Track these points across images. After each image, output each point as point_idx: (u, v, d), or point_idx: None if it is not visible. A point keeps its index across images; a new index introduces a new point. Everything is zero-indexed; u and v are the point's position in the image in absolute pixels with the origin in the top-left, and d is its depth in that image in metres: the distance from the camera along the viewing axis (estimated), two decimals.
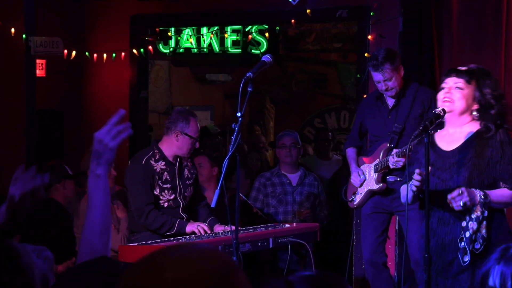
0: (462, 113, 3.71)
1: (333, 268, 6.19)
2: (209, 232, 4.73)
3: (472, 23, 5.93)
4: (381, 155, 5.07)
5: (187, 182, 5.00)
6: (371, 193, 5.15)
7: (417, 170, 3.61)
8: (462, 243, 3.58)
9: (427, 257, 3.54)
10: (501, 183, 3.64)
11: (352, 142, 5.39)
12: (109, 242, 2.08)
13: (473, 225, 3.55)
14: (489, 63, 5.79)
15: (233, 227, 4.72)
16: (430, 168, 3.60)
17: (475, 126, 3.72)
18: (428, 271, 3.55)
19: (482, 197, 3.55)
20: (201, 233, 4.69)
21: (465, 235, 3.56)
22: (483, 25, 5.88)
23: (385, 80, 4.96)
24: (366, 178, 5.17)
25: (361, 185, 5.20)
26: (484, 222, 3.55)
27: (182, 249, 1.41)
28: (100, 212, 2.05)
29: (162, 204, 4.87)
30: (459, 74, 3.72)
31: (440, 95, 3.73)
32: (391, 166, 4.90)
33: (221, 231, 4.81)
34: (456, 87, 3.70)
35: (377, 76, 4.98)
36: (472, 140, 3.69)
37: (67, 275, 1.99)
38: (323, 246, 5.97)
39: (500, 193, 3.62)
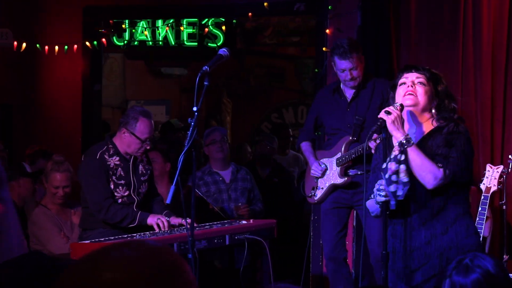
0: (424, 109, 3.62)
1: (290, 266, 6.16)
2: (167, 226, 4.64)
3: (430, 17, 5.94)
4: (343, 149, 5.00)
5: (141, 178, 4.91)
6: (333, 188, 5.08)
7: (377, 186, 3.50)
8: (379, 185, 3.47)
9: (385, 254, 3.47)
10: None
11: (306, 135, 5.30)
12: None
13: (391, 165, 3.44)
14: (447, 58, 5.81)
15: (189, 220, 4.68)
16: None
17: (432, 125, 3.64)
18: (385, 268, 3.48)
19: (405, 139, 3.45)
20: (160, 227, 4.61)
21: (384, 177, 3.44)
22: (441, 20, 5.90)
23: (351, 69, 4.91)
24: (327, 171, 5.10)
25: (322, 175, 5.10)
26: (403, 166, 3.43)
27: (124, 248, 1.39)
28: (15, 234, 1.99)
29: (116, 200, 4.78)
30: (419, 70, 3.63)
31: (401, 90, 3.61)
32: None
33: (178, 223, 4.75)
34: (419, 82, 3.61)
35: (343, 64, 4.91)
36: (426, 136, 3.61)
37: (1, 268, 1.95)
38: (280, 243, 5.91)
39: (427, 159, 3.47)
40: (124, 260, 1.36)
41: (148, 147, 4.80)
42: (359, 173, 4.91)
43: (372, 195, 3.62)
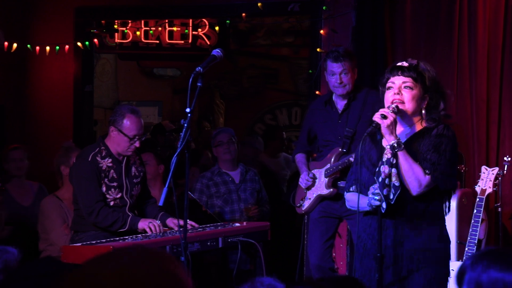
0: (413, 114, 3.58)
1: (284, 268, 6.12)
2: (161, 229, 4.61)
3: (425, 19, 5.92)
4: (332, 160, 5.02)
5: (134, 180, 4.87)
6: (320, 198, 5.11)
7: (372, 189, 3.48)
8: (375, 189, 3.45)
9: (380, 256, 3.45)
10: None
11: (301, 147, 5.33)
12: None
13: (384, 168, 3.43)
14: (442, 59, 5.79)
15: (192, 223, 4.65)
16: (372, 166, 3.53)
17: (421, 125, 3.60)
18: (380, 271, 3.45)
19: (396, 143, 3.42)
20: (152, 231, 4.58)
21: (378, 180, 3.43)
22: (436, 21, 5.88)
23: (341, 73, 4.92)
24: (316, 182, 5.08)
25: (309, 188, 5.13)
26: (395, 170, 3.42)
27: (121, 257, 1.40)
28: None
29: (108, 202, 4.74)
30: (404, 72, 3.52)
31: (389, 96, 3.54)
32: None
33: (169, 229, 4.71)
34: (405, 87, 3.52)
35: (335, 67, 4.92)
36: (414, 137, 3.57)
37: (13, 276, 1.97)
38: (273, 245, 5.88)
39: (415, 164, 3.45)
40: (125, 269, 1.37)
41: (137, 145, 4.75)
42: None
43: (351, 187, 3.64)
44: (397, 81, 3.52)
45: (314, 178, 5.11)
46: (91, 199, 4.66)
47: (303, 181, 5.13)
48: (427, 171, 3.45)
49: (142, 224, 4.64)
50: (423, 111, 3.56)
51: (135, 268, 1.38)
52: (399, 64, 3.56)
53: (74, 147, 5.81)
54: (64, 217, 5.52)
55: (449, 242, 3.63)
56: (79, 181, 4.74)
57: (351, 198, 3.68)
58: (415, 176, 3.44)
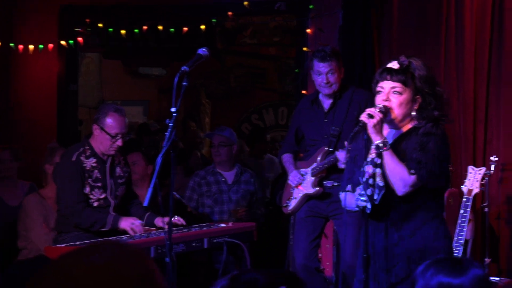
0: (404, 118, 3.53)
1: (270, 269, 6.09)
2: (141, 232, 4.57)
3: (412, 17, 5.91)
4: (319, 159, 4.99)
5: (119, 181, 4.84)
6: (307, 198, 5.08)
7: (358, 190, 3.45)
8: (361, 190, 3.42)
9: (366, 257, 3.42)
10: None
11: (287, 147, 5.30)
12: None
13: (368, 168, 3.40)
14: (429, 58, 5.75)
15: (177, 219, 4.61)
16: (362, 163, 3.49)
17: (410, 125, 3.55)
18: (366, 272, 3.42)
19: (381, 143, 3.39)
20: (134, 232, 4.55)
21: (362, 180, 3.41)
22: (423, 19, 5.87)
23: (327, 73, 4.90)
24: (303, 181, 5.06)
25: (296, 186, 5.09)
26: (379, 170, 3.39)
27: (94, 254, 1.39)
28: None
29: (92, 203, 4.71)
30: (393, 76, 3.46)
31: (378, 101, 3.48)
32: (341, 165, 4.77)
33: (154, 230, 4.68)
34: (394, 92, 3.46)
35: (321, 66, 4.90)
36: (402, 136, 3.53)
37: (7, 273, 1.94)
38: (259, 246, 5.85)
39: (400, 164, 3.41)
40: (92, 267, 1.36)
41: (120, 144, 4.70)
42: (335, 184, 4.89)
43: (347, 187, 3.59)
44: (385, 86, 3.46)
45: (302, 175, 5.08)
46: (72, 199, 4.64)
47: (294, 178, 5.08)
48: (412, 171, 3.40)
49: (124, 224, 4.61)
50: (413, 113, 3.51)
51: (108, 263, 1.37)
52: (389, 65, 3.49)
53: (59, 147, 5.79)
54: (45, 216, 5.49)
55: (450, 240, 3.56)
56: (62, 181, 4.73)
57: (344, 198, 3.64)
58: (399, 176, 3.40)
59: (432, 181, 3.43)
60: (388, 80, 3.45)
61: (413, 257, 3.44)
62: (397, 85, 3.44)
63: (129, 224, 4.60)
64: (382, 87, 3.47)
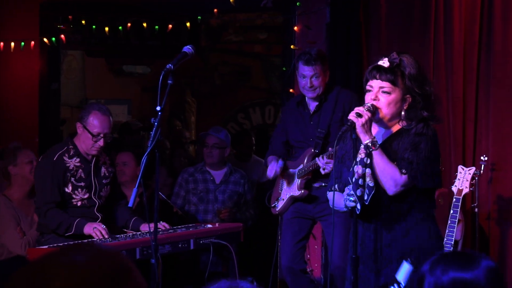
0: (392, 118, 3.48)
1: (257, 270, 6.04)
2: (106, 236, 4.50)
3: (401, 15, 5.87)
4: (305, 161, 4.96)
5: (103, 181, 4.80)
6: (293, 200, 5.05)
7: (347, 190, 3.41)
8: (350, 190, 3.40)
9: (355, 258, 3.39)
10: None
11: (273, 150, 5.23)
12: None
13: (358, 168, 3.37)
14: (418, 56, 5.66)
15: (164, 224, 4.53)
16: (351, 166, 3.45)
17: (400, 125, 3.50)
18: (356, 272, 3.39)
19: (370, 142, 3.35)
20: (98, 236, 4.48)
21: (352, 180, 3.39)
22: (411, 17, 5.82)
23: (312, 77, 4.86)
24: (289, 183, 5.02)
25: (283, 187, 5.07)
26: (369, 170, 3.35)
27: (73, 253, 1.40)
28: None
29: (75, 203, 4.67)
30: (382, 75, 3.40)
31: (367, 100, 3.44)
32: (322, 171, 4.71)
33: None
34: (383, 92, 3.41)
35: (306, 70, 4.87)
36: (392, 137, 3.49)
37: None
38: (247, 247, 5.78)
39: (390, 164, 3.38)
40: (73, 266, 1.36)
41: (101, 144, 4.66)
42: (323, 185, 4.86)
43: (333, 187, 3.57)
44: (374, 85, 3.42)
45: (285, 169, 5.01)
46: (42, 200, 4.64)
47: (271, 170, 5.00)
48: (403, 171, 3.38)
49: (88, 229, 4.54)
50: (403, 113, 3.45)
51: (88, 261, 1.38)
52: (379, 63, 3.43)
53: (21, 147, 5.68)
54: (17, 219, 5.38)
55: (441, 240, 3.57)
56: (37, 180, 4.75)
57: (332, 198, 3.58)
58: (390, 176, 3.37)
59: (423, 181, 3.41)
60: (377, 79, 3.41)
61: (407, 258, 3.39)
62: (386, 85, 3.39)
63: (91, 228, 4.53)
64: (371, 86, 3.43)
